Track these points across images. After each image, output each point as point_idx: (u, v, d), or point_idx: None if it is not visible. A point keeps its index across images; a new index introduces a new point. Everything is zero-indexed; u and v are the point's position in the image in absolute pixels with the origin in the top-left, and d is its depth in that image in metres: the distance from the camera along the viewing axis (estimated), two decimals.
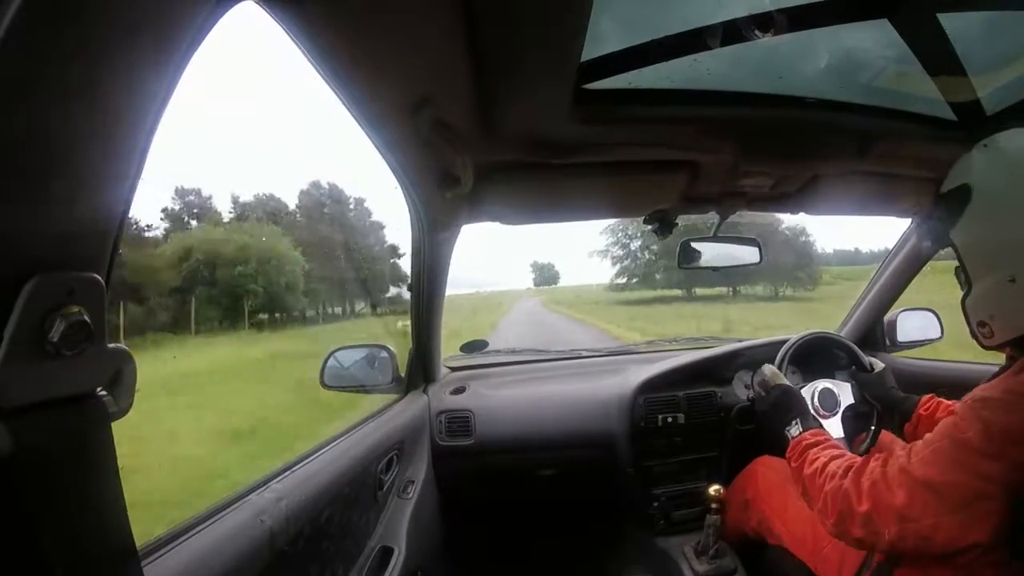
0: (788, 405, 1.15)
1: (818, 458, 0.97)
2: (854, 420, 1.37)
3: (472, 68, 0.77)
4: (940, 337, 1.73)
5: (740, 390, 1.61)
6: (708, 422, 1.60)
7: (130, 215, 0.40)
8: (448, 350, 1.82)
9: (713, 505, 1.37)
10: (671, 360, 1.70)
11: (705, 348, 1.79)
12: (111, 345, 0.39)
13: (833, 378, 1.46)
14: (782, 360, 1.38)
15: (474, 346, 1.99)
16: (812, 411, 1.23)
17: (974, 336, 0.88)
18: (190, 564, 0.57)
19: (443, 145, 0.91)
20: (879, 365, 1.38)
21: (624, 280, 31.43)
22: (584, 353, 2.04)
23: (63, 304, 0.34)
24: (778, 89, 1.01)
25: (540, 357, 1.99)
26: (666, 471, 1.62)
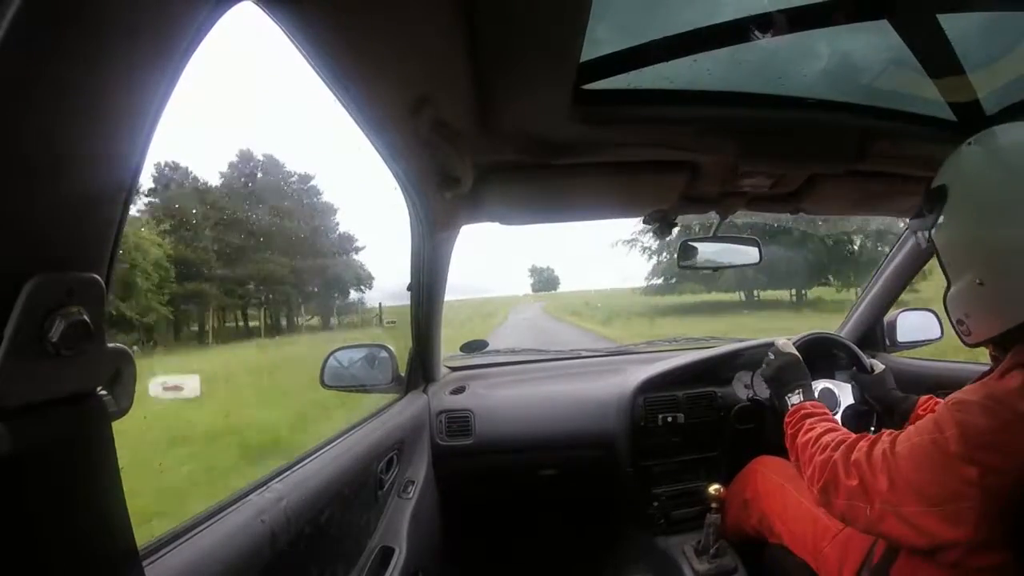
0: (794, 373, 1.16)
1: (814, 428, 0.98)
2: (854, 420, 1.38)
3: (472, 68, 0.77)
4: (940, 337, 1.74)
5: (740, 390, 1.61)
6: (708, 422, 1.60)
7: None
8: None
9: (713, 504, 1.37)
10: (671, 360, 1.71)
11: (705, 348, 1.79)
12: (111, 345, 0.39)
13: (833, 378, 1.46)
14: None
15: (474, 346, 1.99)
16: None
17: (956, 333, 0.90)
18: (191, 564, 0.57)
19: (443, 145, 0.91)
20: (879, 367, 1.39)
21: (660, 280, 22.80)
22: (584, 353, 2.04)
23: (63, 304, 0.34)
24: (778, 89, 1.01)
25: (540, 357, 1.99)
26: (666, 471, 1.62)
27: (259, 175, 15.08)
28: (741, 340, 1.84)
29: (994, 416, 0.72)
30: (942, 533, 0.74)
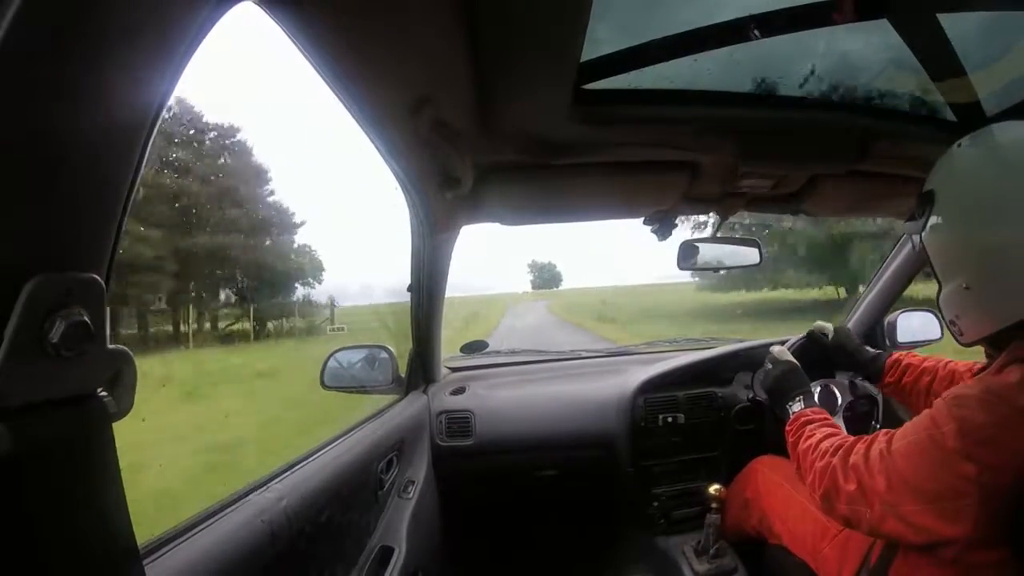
0: (794, 381, 1.16)
1: (814, 434, 0.98)
2: (854, 420, 1.38)
3: (472, 68, 0.77)
4: (940, 338, 1.73)
5: (740, 390, 1.61)
6: (708, 422, 1.60)
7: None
8: None
9: (713, 504, 1.38)
10: (671, 360, 1.71)
11: (705, 348, 1.79)
12: (111, 345, 0.39)
13: (833, 378, 1.46)
14: None
15: (474, 347, 1.99)
16: None
17: (951, 333, 0.90)
18: (191, 564, 0.57)
19: (443, 146, 0.91)
20: (828, 328, 1.40)
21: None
22: (584, 354, 2.04)
23: (63, 304, 0.34)
24: (778, 90, 1.01)
25: (540, 358, 1.99)
26: (666, 471, 1.62)
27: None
28: (741, 340, 1.84)
29: (992, 411, 0.72)
30: (940, 530, 0.74)
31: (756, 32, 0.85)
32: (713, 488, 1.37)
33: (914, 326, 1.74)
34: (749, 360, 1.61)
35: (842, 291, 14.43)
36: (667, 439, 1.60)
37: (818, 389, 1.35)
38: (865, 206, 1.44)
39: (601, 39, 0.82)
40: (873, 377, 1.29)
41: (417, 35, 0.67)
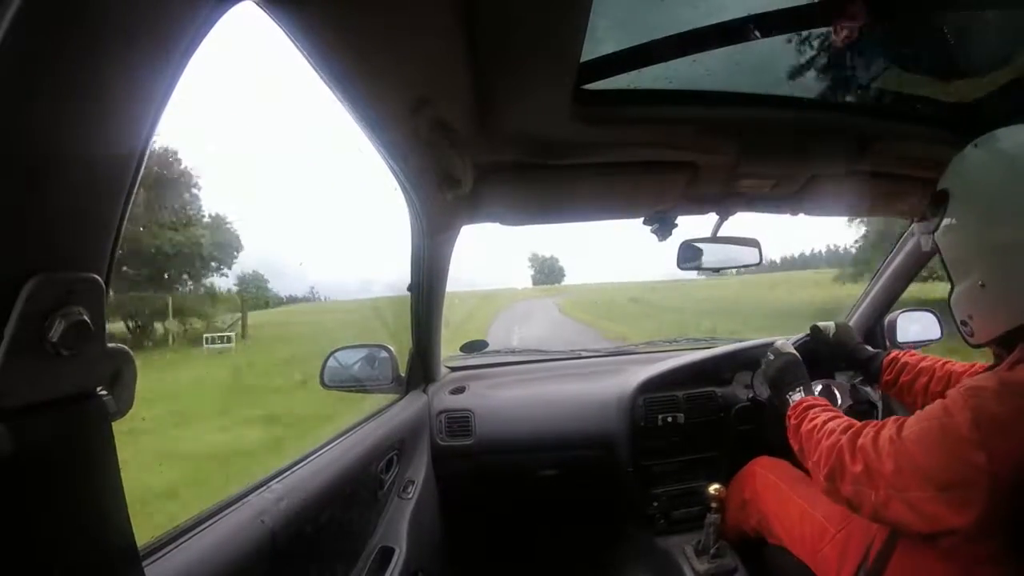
0: (794, 373, 1.17)
1: (818, 416, 0.99)
2: (855, 420, 1.37)
3: (472, 68, 0.77)
4: (940, 338, 1.74)
5: (740, 390, 1.61)
6: (708, 422, 1.60)
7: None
8: None
9: (713, 504, 1.38)
10: (671, 360, 1.71)
11: (705, 348, 1.79)
12: (111, 345, 0.39)
13: (833, 378, 1.46)
14: None
15: (474, 346, 1.99)
16: None
17: (960, 334, 0.90)
18: (191, 564, 0.57)
19: (443, 146, 0.91)
20: (830, 326, 1.40)
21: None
22: (584, 353, 2.04)
23: (63, 304, 0.34)
24: (778, 90, 1.02)
25: (540, 357, 1.99)
26: (666, 471, 1.62)
27: None
28: (741, 340, 1.84)
29: (1008, 403, 0.72)
30: (947, 518, 0.74)
31: (756, 32, 0.85)
32: (713, 488, 1.37)
33: (914, 326, 1.75)
34: (749, 360, 1.61)
35: None
36: (667, 439, 1.60)
37: (818, 388, 1.34)
38: (865, 206, 1.44)
39: (601, 39, 0.82)
40: (871, 375, 1.29)
41: (417, 35, 0.67)
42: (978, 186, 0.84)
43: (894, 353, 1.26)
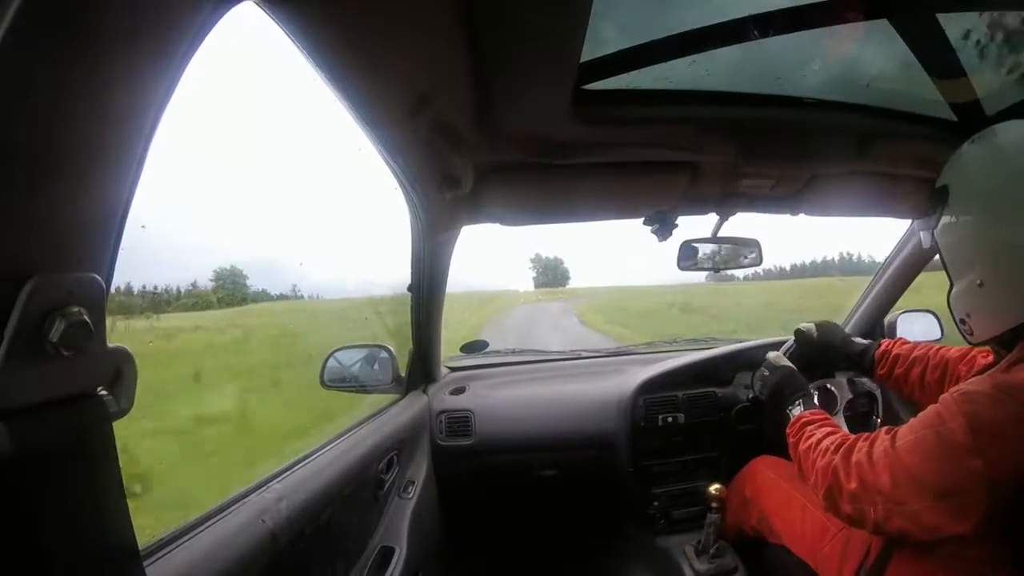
0: (792, 386, 1.17)
1: (814, 435, 0.99)
2: (855, 418, 1.38)
3: (472, 68, 0.77)
4: (940, 339, 1.73)
5: (740, 390, 1.61)
6: (708, 422, 1.60)
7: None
8: None
9: (713, 504, 1.37)
10: (671, 361, 1.71)
11: (705, 348, 1.79)
12: (111, 345, 0.39)
13: (833, 378, 1.46)
14: None
15: (474, 346, 1.99)
16: None
17: (960, 332, 0.90)
18: (192, 564, 0.57)
19: (443, 146, 0.91)
20: (812, 328, 1.39)
21: None
22: (584, 354, 2.04)
23: (63, 304, 0.34)
24: (778, 90, 1.01)
25: (540, 357, 1.99)
26: (666, 471, 1.62)
27: None
28: (741, 340, 1.84)
29: (1003, 408, 0.72)
30: (948, 527, 0.74)
31: (756, 32, 0.85)
32: (713, 488, 1.37)
33: (913, 326, 1.75)
34: (749, 360, 1.60)
35: None
36: (667, 439, 1.60)
37: (816, 392, 1.35)
38: (865, 206, 1.44)
39: (601, 39, 0.82)
40: (865, 369, 1.28)
41: (417, 35, 0.67)
42: (975, 182, 0.84)
43: (885, 344, 1.26)
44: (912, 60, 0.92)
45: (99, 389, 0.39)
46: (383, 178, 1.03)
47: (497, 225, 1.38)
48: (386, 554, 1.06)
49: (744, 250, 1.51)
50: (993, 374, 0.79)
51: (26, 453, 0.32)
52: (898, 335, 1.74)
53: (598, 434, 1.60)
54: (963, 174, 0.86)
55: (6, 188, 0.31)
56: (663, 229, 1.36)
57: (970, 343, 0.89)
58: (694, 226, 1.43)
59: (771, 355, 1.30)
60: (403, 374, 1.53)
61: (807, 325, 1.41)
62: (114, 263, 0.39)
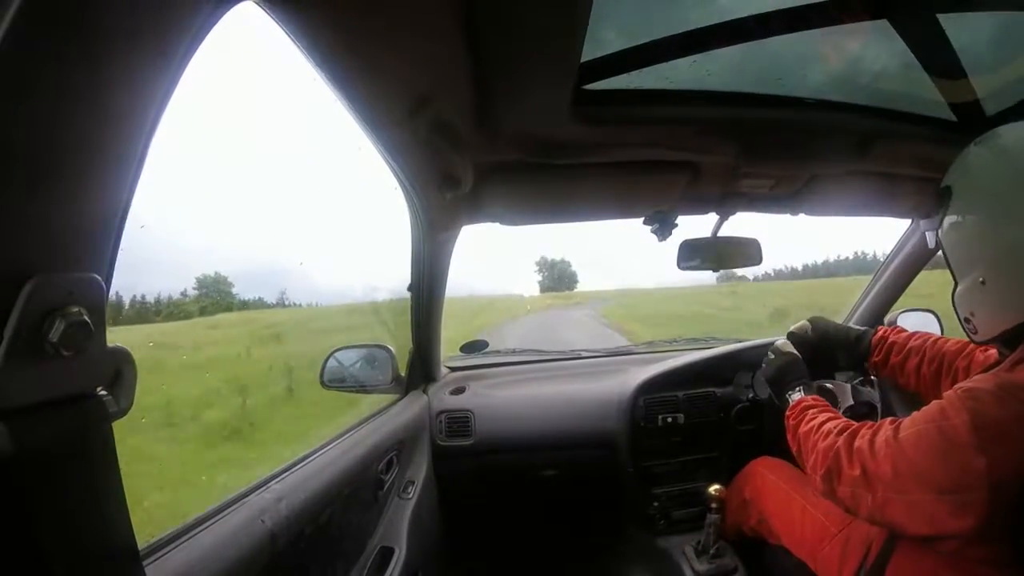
0: (794, 372, 1.17)
1: (816, 418, 0.99)
2: (854, 420, 1.37)
3: (472, 69, 0.77)
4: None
5: (740, 390, 1.61)
6: (708, 422, 1.60)
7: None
8: None
9: (713, 505, 1.37)
10: (671, 361, 1.71)
11: (705, 348, 1.79)
12: (111, 345, 0.39)
13: (833, 379, 1.46)
14: None
15: (474, 346, 1.99)
16: None
17: (964, 331, 0.90)
18: (191, 564, 0.57)
19: (443, 146, 0.91)
20: (807, 325, 1.34)
21: None
22: (584, 354, 2.04)
23: (63, 304, 0.34)
24: (778, 90, 1.01)
25: (540, 357, 1.99)
26: (666, 471, 1.62)
27: None
28: (741, 340, 1.84)
29: (1007, 406, 0.72)
30: (947, 521, 0.73)
31: (756, 32, 0.85)
32: (713, 488, 1.37)
33: (914, 326, 1.74)
34: (749, 360, 1.60)
35: None
36: (667, 439, 1.60)
37: (819, 389, 1.34)
38: (865, 206, 1.44)
39: (601, 39, 0.82)
40: (860, 354, 1.27)
41: (417, 35, 0.67)
42: (979, 183, 0.85)
43: (882, 331, 1.25)
44: (912, 60, 0.92)
45: (99, 389, 0.39)
46: (383, 178, 1.03)
47: (497, 225, 1.38)
48: (386, 554, 1.06)
49: (744, 250, 1.51)
50: (997, 373, 0.79)
51: (26, 453, 0.32)
52: None
53: (598, 434, 1.60)
54: (967, 174, 0.86)
55: (6, 188, 0.31)
56: (663, 229, 1.36)
57: (974, 342, 0.89)
58: (694, 226, 1.43)
59: (779, 341, 1.29)
60: (403, 374, 1.53)
61: (800, 324, 1.40)
62: (114, 263, 0.39)
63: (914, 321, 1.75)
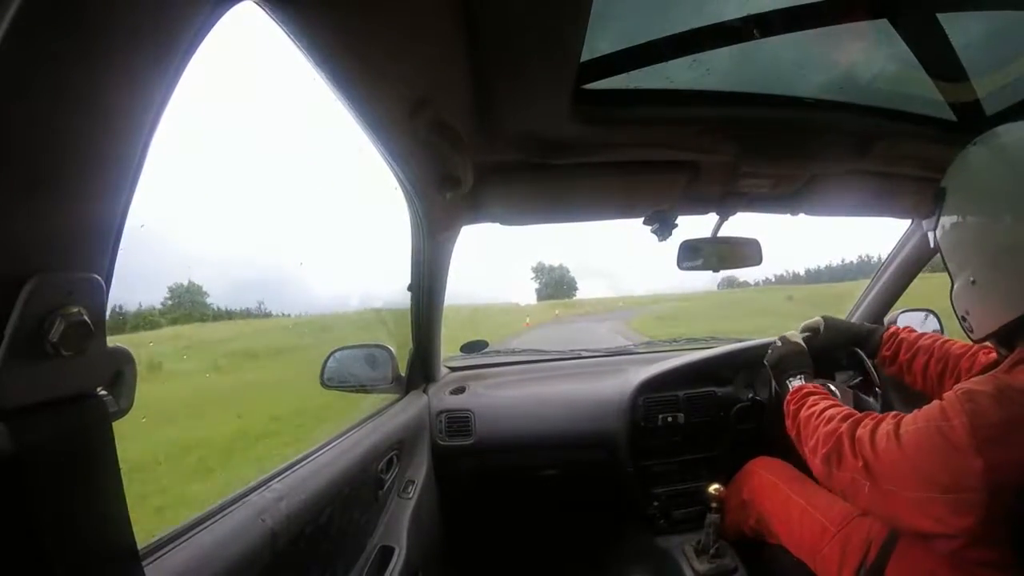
0: (798, 361, 1.17)
1: (818, 404, 0.99)
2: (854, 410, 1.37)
3: (472, 68, 0.77)
4: None
5: (740, 390, 1.61)
6: (708, 422, 1.60)
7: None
8: None
9: (713, 504, 1.38)
10: (671, 360, 1.71)
11: (705, 348, 1.79)
12: (111, 345, 0.39)
13: (833, 379, 1.46)
14: None
15: (474, 346, 1.99)
16: None
17: (963, 330, 0.91)
18: (191, 564, 0.57)
19: (443, 146, 0.91)
20: (817, 323, 1.34)
21: None
22: (584, 353, 2.04)
23: (63, 304, 0.34)
24: (778, 89, 1.01)
25: (540, 357, 1.99)
26: (666, 471, 1.62)
27: None
28: (741, 340, 1.84)
29: (1006, 409, 0.72)
30: (946, 519, 0.74)
31: (756, 32, 0.85)
32: (713, 488, 1.37)
33: (914, 325, 1.74)
34: (749, 360, 1.61)
35: None
36: (667, 439, 1.60)
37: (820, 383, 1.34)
38: (865, 206, 1.44)
39: (601, 39, 0.82)
40: (870, 349, 1.27)
41: (417, 35, 0.67)
42: (973, 183, 0.85)
43: (892, 328, 1.25)
44: (912, 60, 0.92)
45: (99, 389, 0.39)
46: (382, 178, 1.03)
47: (487, 228, 1.38)
48: (386, 554, 1.06)
49: (744, 250, 1.51)
50: (996, 374, 0.79)
51: (26, 453, 0.32)
52: None
53: (598, 434, 1.60)
54: (962, 175, 0.87)
55: (6, 188, 0.31)
56: (663, 229, 1.36)
57: (972, 340, 0.90)
58: (694, 226, 1.43)
59: (789, 332, 1.30)
60: (403, 374, 1.53)
61: (812, 320, 1.40)
62: (114, 263, 0.39)
63: (915, 321, 1.75)
